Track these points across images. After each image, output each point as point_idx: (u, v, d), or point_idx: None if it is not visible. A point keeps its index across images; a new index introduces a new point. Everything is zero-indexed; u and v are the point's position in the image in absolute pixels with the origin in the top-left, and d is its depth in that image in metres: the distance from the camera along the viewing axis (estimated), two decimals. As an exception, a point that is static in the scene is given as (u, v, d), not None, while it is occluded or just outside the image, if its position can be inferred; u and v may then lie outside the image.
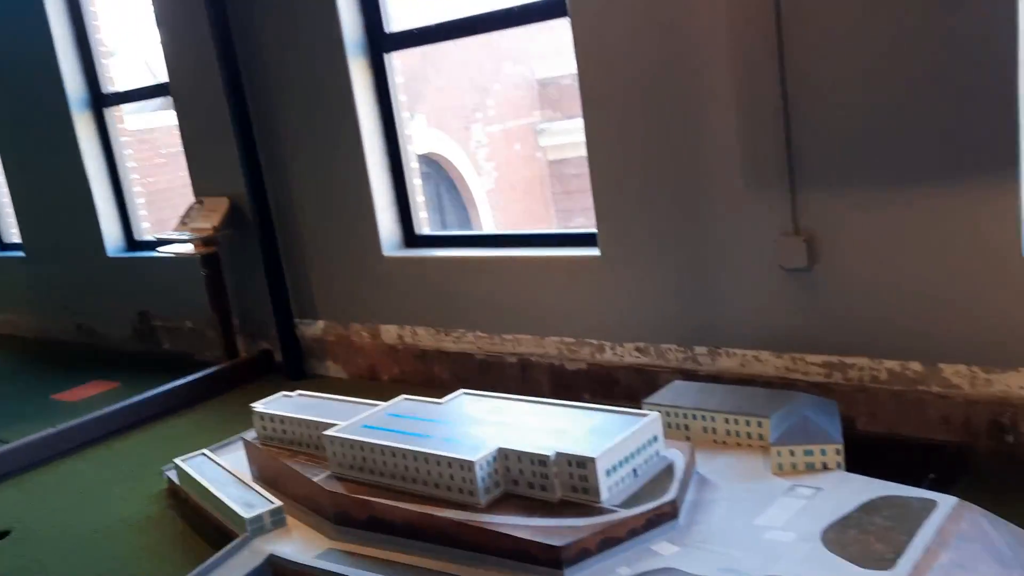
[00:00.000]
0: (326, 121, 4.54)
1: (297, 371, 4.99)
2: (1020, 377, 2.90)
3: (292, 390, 3.60)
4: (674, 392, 3.24)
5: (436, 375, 4.51)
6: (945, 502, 2.35)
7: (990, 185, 2.81)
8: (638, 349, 3.80)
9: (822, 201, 3.16)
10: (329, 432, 2.90)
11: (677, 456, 2.73)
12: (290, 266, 4.95)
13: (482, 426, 2.85)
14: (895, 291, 3.08)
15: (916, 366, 3.10)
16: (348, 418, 3.03)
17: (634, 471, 2.61)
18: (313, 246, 4.84)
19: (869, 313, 3.16)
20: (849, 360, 3.25)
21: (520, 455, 2.59)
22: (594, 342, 3.93)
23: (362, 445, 2.80)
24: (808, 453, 2.70)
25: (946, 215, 2.91)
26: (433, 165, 12.19)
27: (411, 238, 4.61)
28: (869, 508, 2.41)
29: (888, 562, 2.13)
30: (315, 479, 2.86)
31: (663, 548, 2.39)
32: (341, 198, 4.62)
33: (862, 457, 2.85)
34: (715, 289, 3.52)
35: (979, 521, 2.29)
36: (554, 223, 12.71)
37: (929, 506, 2.35)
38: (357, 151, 4.46)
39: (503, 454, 2.62)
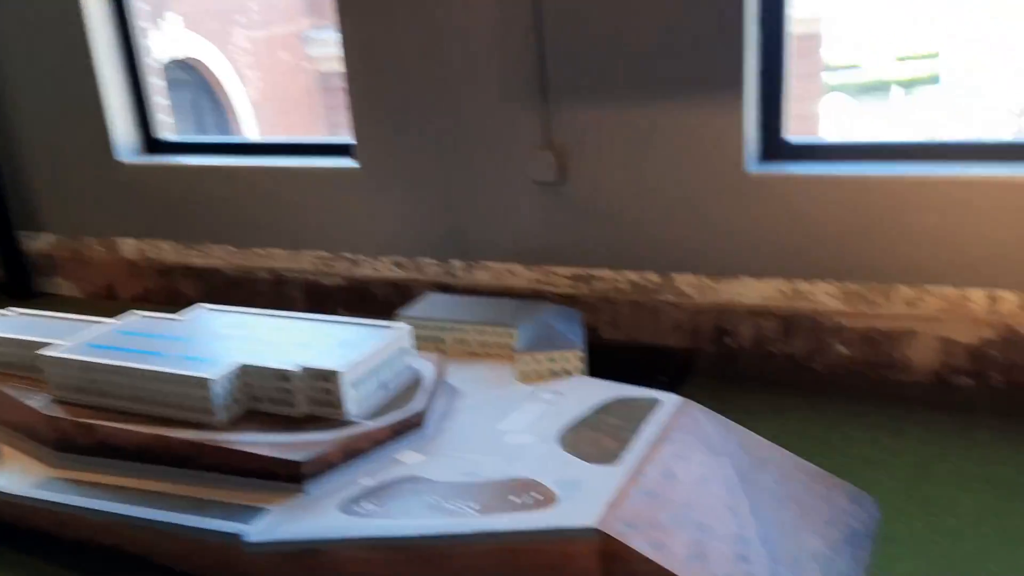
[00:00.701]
0: (48, 10, 4.03)
1: (22, 289, 4.52)
2: (740, 285, 3.15)
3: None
4: (428, 305, 3.24)
5: (182, 292, 4.25)
6: (669, 400, 2.53)
7: (717, 104, 2.98)
8: (396, 263, 3.76)
9: (572, 116, 3.22)
10: (46, 352, 2.64)
11: (427, 367, 2.75)
12: (9, 172, 4.41)
13: (223, 342, 2.71)
14: (635, 205, 3.23)
15: (653, 277, 3.29)
16: (72, 337, 2.77)
17: (382, 383, 2.59)
18: (36, 151, 4.34)
19: (612, 227, 3.30)
20: (594, 272, 3.40)
21: (262, 371, 2.48)
22: (350, 256, 3.85)
23: (86, 365, 2.57)
24: (551, 360, 2.80)
25: (680, 132, 3.07)
26: (190, 71, 11.30)
27: (152, 144, 4.25)
28: (603, 409, 2.54)
29: (615, 457, 2.26)
30: (31, 403, 2.60)
31: (408, 457, 2.40)
32: (66, 98, 4.15)
33: (604, 362, 3.01)
34: (472, 203, 3.53)
35: (696, 415, 2.48)
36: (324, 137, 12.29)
37: (655, 404, 2.51)
38: (81, 43, 4.00)
39: (244, 370, 2.50)
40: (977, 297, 2.81)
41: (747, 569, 2.00)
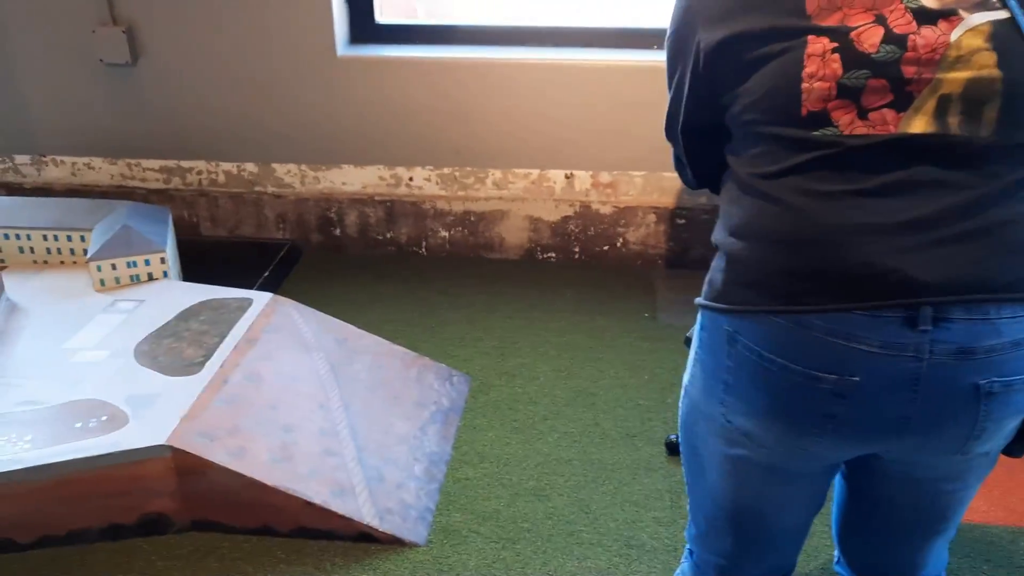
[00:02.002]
0: None
1: None
2: (342, 174, 3.08)
3: None
4: (-18, 209, 2.79)
5: None
6: (260, 299, 2.42)
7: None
8: (-58, 161, 3.18)
9: (142, -12, 2.86)
10: None
11: (-25, 283, 2.37)
12: None
13: None
14: (226, 91, 2.98)
15: (252, 167, 3.11)
16: None
17: (-90, 307, 2.19)
18: None
19: (203, 114, 3.03)
20: (187, 164, 3.13)
21: None
22: None
23: None
24: (131, 264, 2.54)
25: (265, 10, 2.85)
26: None
27: None
28: (187, 314, 2.37)
29: (197, 366, 2.12)
30: None
31: (-52, 391, 2.07)
32: None
33: (203, 262, 2.81)
34: (33, 88, 3.05)
35: (289, 312, 2.40)
36: None
37: (245, 304, 2.39)
38: None
39: None
40: (557, 176, 3.00)
41: (334, 462, 2.00)
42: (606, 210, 3.01)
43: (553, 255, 3.11)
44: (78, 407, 1.99)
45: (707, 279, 1.12)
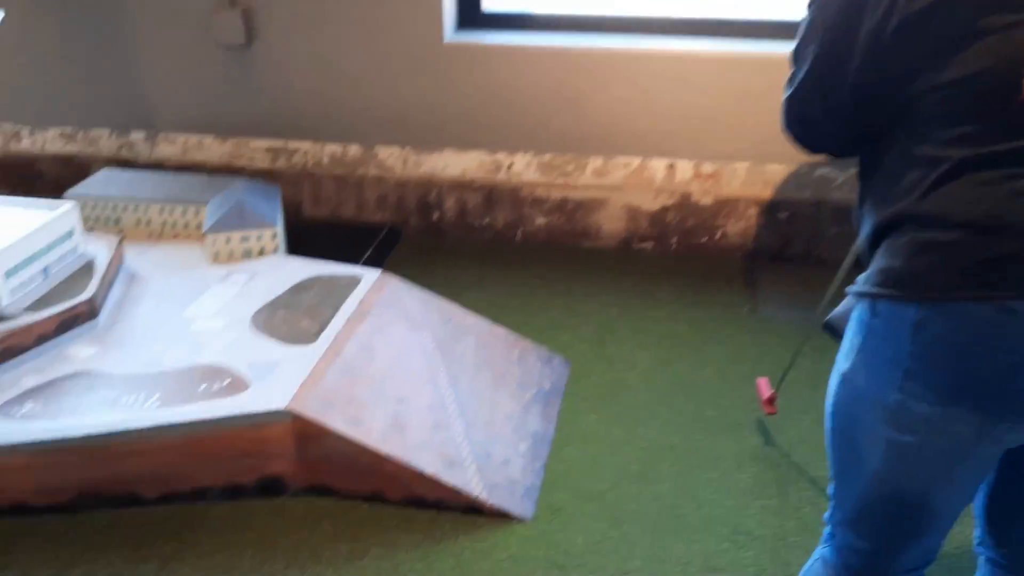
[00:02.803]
0: None
1: None
2: (444, 158, 3.12)
3: None
4: (103, 181, 2.91)
5: None
6: (369, 276, 2.47)
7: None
8: (63, 135, 3.32)
9: (259, -28, 2.95)
10: None
11: (101, 251, 2.47)
12: None
13: None
14: (335, 74, 3.05)
15: (355, 149, 3.17)
16: None
17: (44, 270, 2.29)
18: None
19: (311, 96, 3.11)
20: (293, 145, 3.21)
21: None
22: (8, 127, 3.34)
23: None
24: (245, 239, 2.63)
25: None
26: None
27: None
28: (300, 288, 2.43)
29: (312, 336, 2.18)
30: None
31: (79, 351, 2.17)
32: None
33: (306, 240, 2.88)
34: (150, 67, 3.17)
35: (396, 289, 2.45)
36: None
37: (355, 281, 2.45)
38: None
39: None
40: (658, 166, 2.99)
41: (443, 436, 2.04)
42: (707, 201, 2.99)
43: (650, 245, 3.10)
44: (201, 371, 2.07)
45: (879, 267, 1.08)
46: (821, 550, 1.33)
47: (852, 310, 1.17)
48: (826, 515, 1.30)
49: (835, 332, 1.23)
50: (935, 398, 1.04)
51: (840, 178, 2.88)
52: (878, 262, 1.08)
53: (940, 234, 1.00)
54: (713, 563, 1.82)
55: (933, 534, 1.19)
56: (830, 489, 1.27)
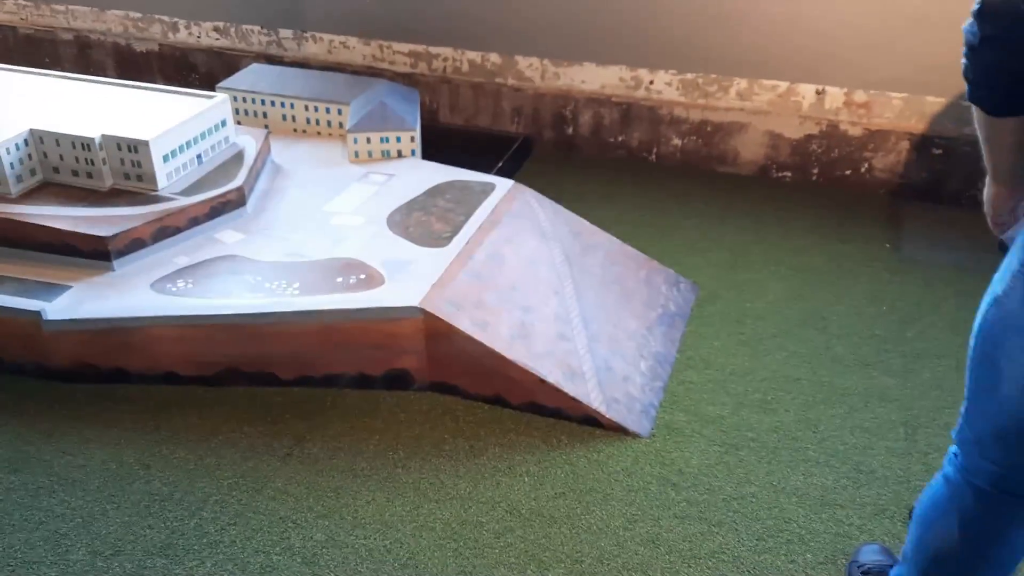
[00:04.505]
0: None
1: None
2: (583, 71, 3.08)
3: None
4: (253, 76, 3.00)
5: (-30, 52, 3.75)
6: (502, 185, 2.49)
7: None
8: (217, 29, 3.43)
9: None
10: None
11: (249, 143, 2.57)
12: None
13: (14, 107, 2.41)
14: (480, -21, 3.03)
15: (495, 58, 3.16)
16: None
17: (198, 157, 2.41)
18: None
19: (454, 2, 3.09)
20: (434, 50, 3.22)
21: (60, 138, 2.24)
22: (166, 19, 3.47)
23: None
24: (384, 140, 2.68)
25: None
26: None
27: None
28: (435, 192, 2.48)
29: (445, 240, 2.23)
30: None
31: (227, 236, 2.28)
32: None
33: (442, 146, 2.91)
34: (301, -35, 3.22)
35: (528, 200, 2.46)
36: None
37: (488, 189, 2.47)
38: None
39: (37, 137, 2.25)
40: (806, 92, 2.86)
41: (567, 347, 2.06)
42: (855, 132, 2.85)
43: (789, 174, 2.99)
44: (339, 264, 2.15)
45: None
46: (943, 471, 1.30)
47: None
48: (954, 431, 1.28)
49: (1006, 251, 1.19)
50: None
51: (1007, 115, 2.69)
52: None
53: None
54: (831, 497, 1.79)
55: None
56: (962, 408, 1.25)
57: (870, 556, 1.61)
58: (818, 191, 2.93)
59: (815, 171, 2.95)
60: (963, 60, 1.09)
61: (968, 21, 1.06)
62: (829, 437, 1.95)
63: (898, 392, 2.08)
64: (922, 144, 2.80)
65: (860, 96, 2.81)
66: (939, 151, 2.79)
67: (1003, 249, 1.17)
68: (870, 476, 1.84)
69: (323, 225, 2.33)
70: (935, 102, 2.74)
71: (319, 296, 2.02)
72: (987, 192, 1.25)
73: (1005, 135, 1.14)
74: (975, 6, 1.05)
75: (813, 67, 2.82)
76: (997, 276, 1.14)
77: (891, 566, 1.54)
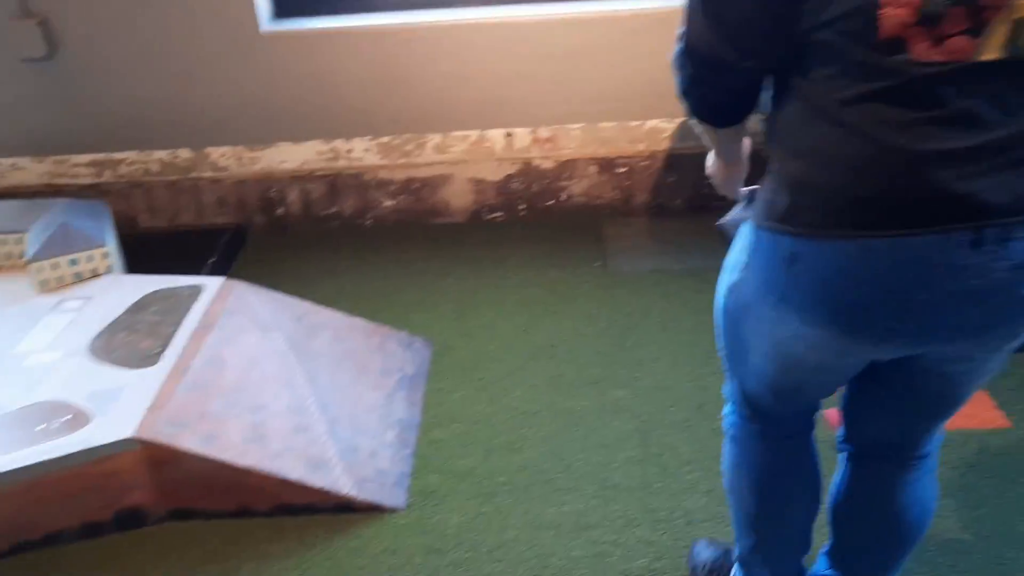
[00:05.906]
0: None
1: None
2: (280, 152, 3.04)
3: None
4: (-92, 221, 2.69)
5: None
6: (212, 284, 2.39)
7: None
8: None
9: (51, -23, 2.76)
10: None
11: (-88, 296, 2.29)
12: None
13: None
14: (152, 78, 2.91)
15: (186, 153, 3.05)
16: None
17: None
18: None
19: (130, 103, 2.95)
20: (118, 156, 3.05)
21: None
22: None
23: None
24: (73, 263, 2.49)
25: (185, -9, 2.78)
26: None
27: None
28: (138, 307, 2.33)
29: (156, 356, 2.10)
30: None
31: (-101, 408, 2.01)
32: None
33: (146, 254, 2.75)
34: (-53, 90, 2.94)
35: (243, 294, 2.38)
36: None
37: (196, 292, 2.36)
38: None
39: None
40: (496, 136, 3.00)
41: (306, 438, 2.00)
42: (548, 165, 3.03)
43: (500, 214, 3.12)
44: (39, 410, 1.96)
45: (763, 199, 1.14)
46: (727, 436, 1.46)
47: (742, 221, 1.25)
48: (723, 388, 1.45)
49: (725, 236, 1.31)
50: (808, 321, 1.11)
51: (669, 128, 2.97)
52: (763, 194, 1.15)
53: (813, 172, 1.05)
54: (584, 521, 1.87)
55: (814, 402, 1.37)
56: (724, 369, 1.40)
57: (704, 555, 1.72)
58: (528, 225, 3.07)
59: (521, 207, 3.10)
60: (677, 85, 1.17)
61: (676, 51, 1.13)
62: (574, 462, 2.03)
63: (628, 402, 2.21)
64: (607, 166, 3.02)
65: (544, 132, 2.99)
66: (623, 169, 3.02)
67: (722, 233, 1.30)
68: (615, 490, 1.94)
69: (14, 370, 2.11)
70: (610, 127, 2.97)
71: (19, 452, 1.83)
72: (713, 167, 1.38)
73: (729, 133, 1.25)
74: (679, 44, 1.12)
75: (498, 112, 2.97)
76: (728, 266, 1.28)
77: (728, 551, 1.68)
